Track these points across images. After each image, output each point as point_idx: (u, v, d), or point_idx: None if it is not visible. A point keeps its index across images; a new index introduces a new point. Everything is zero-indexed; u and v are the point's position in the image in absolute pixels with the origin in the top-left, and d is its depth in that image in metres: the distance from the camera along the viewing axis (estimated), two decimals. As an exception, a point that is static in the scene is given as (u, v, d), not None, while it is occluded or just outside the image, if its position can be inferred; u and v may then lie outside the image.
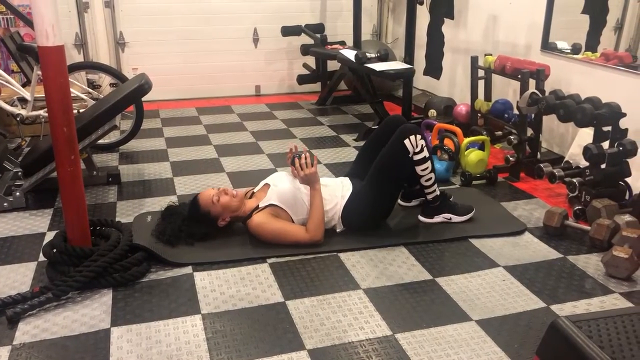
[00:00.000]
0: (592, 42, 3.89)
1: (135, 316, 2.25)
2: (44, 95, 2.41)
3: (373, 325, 2.20)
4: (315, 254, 2.72)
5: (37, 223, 3.06)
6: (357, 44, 5.60)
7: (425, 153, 2.84)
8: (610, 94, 3.32)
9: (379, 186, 2.85)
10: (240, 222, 2.86)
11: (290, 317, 2.25)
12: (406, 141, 2.77)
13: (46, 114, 3.33)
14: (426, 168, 2.86)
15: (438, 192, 2.98)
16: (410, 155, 2.79)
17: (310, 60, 5.89)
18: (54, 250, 2.51)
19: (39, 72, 3.75)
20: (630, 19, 3.73)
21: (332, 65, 5.65)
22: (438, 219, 3.02)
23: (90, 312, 2.27)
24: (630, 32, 3.75)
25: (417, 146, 2.79)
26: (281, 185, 2.85)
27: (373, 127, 4.67)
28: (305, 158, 2.75)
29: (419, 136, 2.80)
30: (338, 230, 2.90)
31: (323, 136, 4.69)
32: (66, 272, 2.40)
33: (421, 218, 3.04)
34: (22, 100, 4.08)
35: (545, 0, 4.03)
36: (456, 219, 3.03)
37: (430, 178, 2.91)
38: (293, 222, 2.82)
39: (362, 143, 4.46)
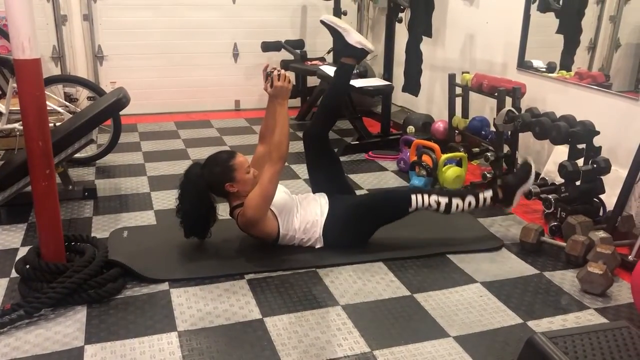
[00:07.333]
0: (567, 61, 3.97)
1: (110, 334, 2.21)
2: (19, 108, 2.37)
3: (351, 341, 2.19)
4: (293, 270, 2.71)
5: (9, 238, 3.00)
6: (337, 60, 5.63)
7: (438, 208, 2.84)
8: (584, 112, 3.38)
9: (366, 217, 2.87)
10: (232, 203, 2.78)
11: (268, 334, 2.23)
12: (413, 196, 2.81)
13: (21, 127, 3.27)
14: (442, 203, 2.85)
15: (484, 196, 2.92)
16: (410, 210, 2.83)
17: (291, 76, 5.89)
18: (27, 266, 2.45)
19: (14, 85, 3.69)
20: (602, 40, 3.82)
21: (312, 81, 5.68)
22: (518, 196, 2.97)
23: (63, 330, 2.23)
24: (603, 52, 3.83)
25: (424, 204, 2.82)
26: None
27: (352, 143, 4.70)
28: (279, 72, 2.73)
29: (426, 195, 2.82)
30: (317, 246, 2.89)
31: (303, 151, 4.65)
32: (39, 288, 2.35)
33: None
34: (-4, 113, 4.01)
35: (521, 19, 4.11)
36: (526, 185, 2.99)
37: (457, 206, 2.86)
38: (278, 222, 2.76)
39: (342, 158, 4.47)
